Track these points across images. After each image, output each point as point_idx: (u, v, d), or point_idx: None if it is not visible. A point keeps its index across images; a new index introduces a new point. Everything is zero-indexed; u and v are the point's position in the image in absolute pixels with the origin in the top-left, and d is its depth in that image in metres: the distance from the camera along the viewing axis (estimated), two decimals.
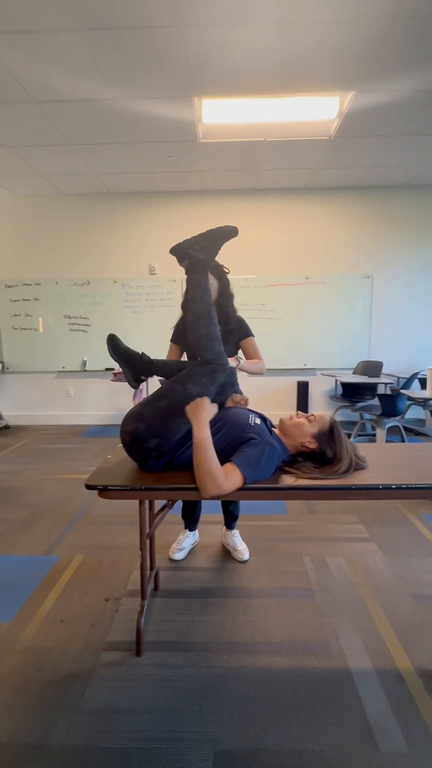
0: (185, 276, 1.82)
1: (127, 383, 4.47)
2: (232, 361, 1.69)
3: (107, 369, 4.69)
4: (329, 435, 1.35)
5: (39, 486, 2.92)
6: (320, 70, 2.45)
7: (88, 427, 4.65)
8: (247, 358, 1.88)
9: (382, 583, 1.77)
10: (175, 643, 1.43)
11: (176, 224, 4.47)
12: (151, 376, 1.60)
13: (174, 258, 1.48)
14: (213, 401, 1.42)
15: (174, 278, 4.52)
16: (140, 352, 1.55)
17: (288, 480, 1.28)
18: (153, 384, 4.59)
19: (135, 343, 4.59)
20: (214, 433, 1.33)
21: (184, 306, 1.86)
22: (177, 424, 1.27)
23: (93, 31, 2.09)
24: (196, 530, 2.10)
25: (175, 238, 4.43)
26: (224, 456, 1.29)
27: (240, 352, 1.92)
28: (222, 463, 1.28)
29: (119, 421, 4.78)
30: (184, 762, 1.03)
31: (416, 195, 4.35)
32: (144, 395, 4.11)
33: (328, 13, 2.01)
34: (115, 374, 4.06)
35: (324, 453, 1.33)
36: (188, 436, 1.33)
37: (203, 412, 1.22)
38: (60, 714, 1.17)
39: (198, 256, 1.39)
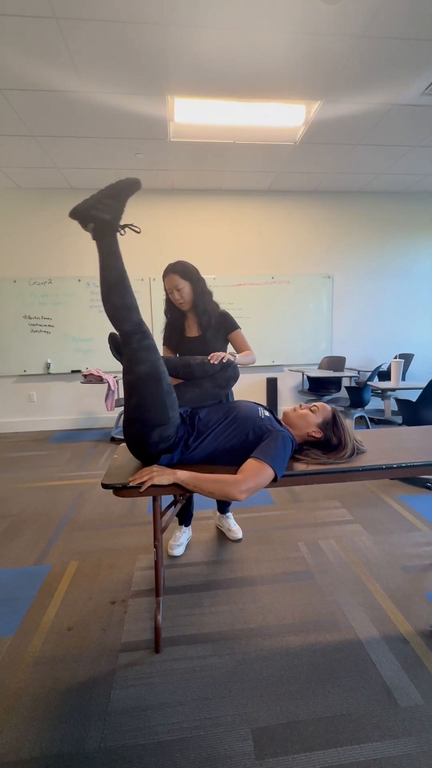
0: (97, 244, 1.60)
1: (96, 385, 4.34)
2: (228, 357, 1.72)
3: (73, 371, 4.51)
4: (333, 423, 1.43)
5: (14, 495, 2.76)
6: (290, 78, 2.56)
7: (54, 433, 4.45)
8: (236, 351, 1.91)
9: (372, 559, 1.90)
10: (192, 636, 1.44)
11: (142, 222, 4.41)
12: None
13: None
14: (215, 397, 1.47)
15: (141, 277, 4.46)
16: None
17: (300, 467, 1.35)
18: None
19: (102, 343, 4.50)
20: (225, 428, 1.37)
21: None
22: (161, 403, 1.25)
23: (71, 21, 2.02)
24: (189, 527, 2.12)
25: (141, 236, 4.42)
26: (238, 449, 1.34)
27: (230, 346, 1.95)
28: (237, 455, 1.32)
29: (89, 425, 4.62)
30: (225, 744, 1.06)
31: (370, 200, 4.67)
32: (116, 396, 4.02)
33: (302, 25, 2.12)
34: (85, 376, 3.93)
35: (329, 440, 1.42)
36: (193, 429, 1.35)
37: (164, 476, 1.20)
38: (89, 719, 1.14)
39: (104, 217, 1.21)
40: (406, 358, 4.56)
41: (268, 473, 1.21)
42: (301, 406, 1.47)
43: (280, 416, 1.52)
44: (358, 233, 4.73)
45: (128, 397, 1.28)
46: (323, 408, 1.44)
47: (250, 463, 1.23)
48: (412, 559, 1.90)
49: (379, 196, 4.68)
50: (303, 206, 4.61)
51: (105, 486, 1.24)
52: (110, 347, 1.54)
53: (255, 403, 1.49)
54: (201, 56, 2.34)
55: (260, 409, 1.43)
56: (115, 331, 1.55)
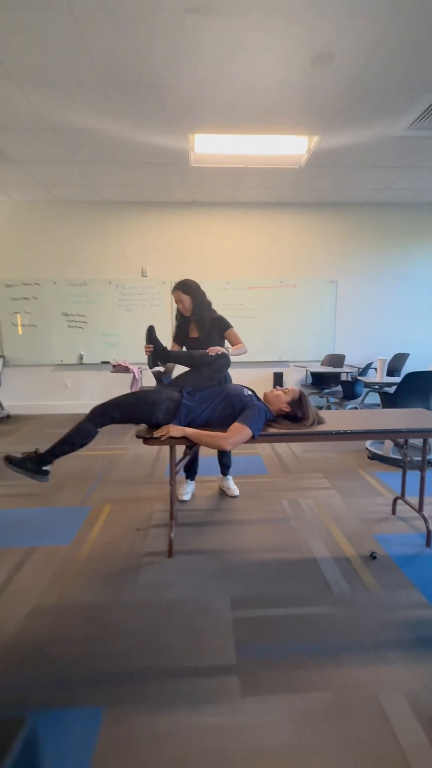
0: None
1: (122, 375, 4.97)
2: (222, 350, 2.23)
3: (103, 362, 5.16)
4: (299, 401, 1.96)
5: (56, 462, 3.39)
6: (292, 119, 3.05)
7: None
8: (231, 345, 2.44)
9: (338, 513, 2.43)
10: (194, 550, 2.01)
11: (165, 231, 5.00)
12: (166, 363, 2.18)
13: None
14: (212, 380, 2.02)
15: (164, 280, 5.05)
16: (164, 346, 2.12)
17: (273, 431, 1.89)
18: (148, 378, 5.12)
19: (128, 338, 5.11)
20: (219, 403, 1.92)
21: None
22: (143, 404, 1.86)
23: (113, 85, 2.60)
24: (193, 481, 2.71)
25: (164, 243, 5.00)
26: (227, 417, 1.89)
27: (226, 343, 2.49)
28: (226, 421, 1.87)
29: None
30: (211, 604, 1.62)
31: (373, 211, 5.09)
32: (140, 385, 4.63)
33: (301, 79, 2.61)
34: (114, 366, 4.55)
35: (296, 414, 1.95)
36: (196, 403, 1.91)
37: (177, 430, 1.78)
38: (123, 587, 1.73)
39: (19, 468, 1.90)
40: (402, 357, 4.97)
41: (247, 432, 1.76)
42: (276, 388, 2.01)
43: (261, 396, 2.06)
44: (361, 241, 5.16)
45: (132, 422, 1.92)
46: (293, 390, 1.98)
47: (235, 426, 1.78)
48: (371, 514, 2.41)
49: (381, 208, 5.09)
50: (310, 216, 5.07)
51: (138, 436, 1.82)
52: (147, 333, 2.10)
53: (241, 385, 2.04)
54: (217, 103, 2.86)
55: (245, 389, 1.97)
56: (153, 324, 2.14)
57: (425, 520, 2.10)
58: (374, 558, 1.93)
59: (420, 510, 2.15)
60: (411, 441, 3.41)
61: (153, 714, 1.18)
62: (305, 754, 1.06)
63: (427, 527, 2.07)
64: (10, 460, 1.87)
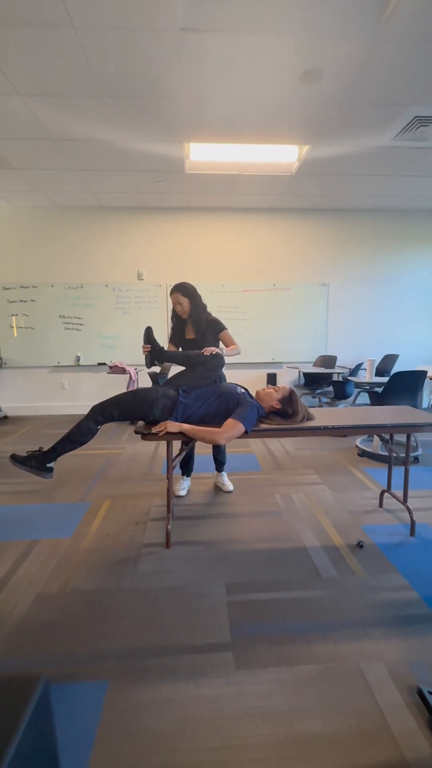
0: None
1: (119, 376, 5.07)
2: (216, 350, 2.33)
3: (99, 363, 5.24)
4: (289, 398, 2.07)
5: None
6: (283, 129, 3.18)
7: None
8: (225, 346, 2.55)
9: (328, 506, 2.54)
10: (191, 541, 2.11)
11: (161, 235, 5.11)
12: (163, 362, 2.28)
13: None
14: (207, 378, 2.12)
15: (159, 283, 5.15)
16: (161, 346, 2.22)
17: (265, 426, 2.00)
18: (144, 379, 5.21)
19: (124, 340, 5.20)
20: (213, 401, 2.02)
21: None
22: (140, 402, 1.95)
23: (112, 97, 2.71)
24: (189, 477, 2.81)
25: (160, 247, 5.11)
26: (221, 414, 1.99)
27: (221, 344, 2.60)
28: (221, 418, 1.98)
29: None
30: (208, 590, 1.72)
31: (363, 217, 5.24)
32: (136, 385, 4.73)
33: (291, 92, 2.74)
34: (111, 367, 4.64)
35: (287, 410, 2.06)
36: (191, 400, 2.01)
37: (174, 426, 1.87)
38: (124, 575, 1.82)
39: (26, 467, 1.98)
40: (391, 358, 5.11)
41: (240, 428, 1.86)
42: (268, 386, 2.12)
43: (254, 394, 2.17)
44: (352, 246, 5.31)
45: (131, 419, 2.01)
46: (283, 388, 2.09)
47: (229, 421, 1.89)
48: (359, 507, 2.52)
49: (371, 213, 5.24)
50: (302, 222, 5.21)
51: (137, 432, 1.92)
52: (145, 333, 2.20)
53: (235, 383, 2.15)
54: (211, 114, 2.98)
55: (238, 387, 2.08)
56: (150, 326, 2.24)
57: (409, 511, 2.22)
58: (361, 546, 2.04)
59: (404, 502, 2.27)
60: (397, 438, 3.55)
61: (154, 686, 1.27)
62: (293, 715, 1.16)
63: (411, 518, 2.19)
64: (15, 459, 1.96)
